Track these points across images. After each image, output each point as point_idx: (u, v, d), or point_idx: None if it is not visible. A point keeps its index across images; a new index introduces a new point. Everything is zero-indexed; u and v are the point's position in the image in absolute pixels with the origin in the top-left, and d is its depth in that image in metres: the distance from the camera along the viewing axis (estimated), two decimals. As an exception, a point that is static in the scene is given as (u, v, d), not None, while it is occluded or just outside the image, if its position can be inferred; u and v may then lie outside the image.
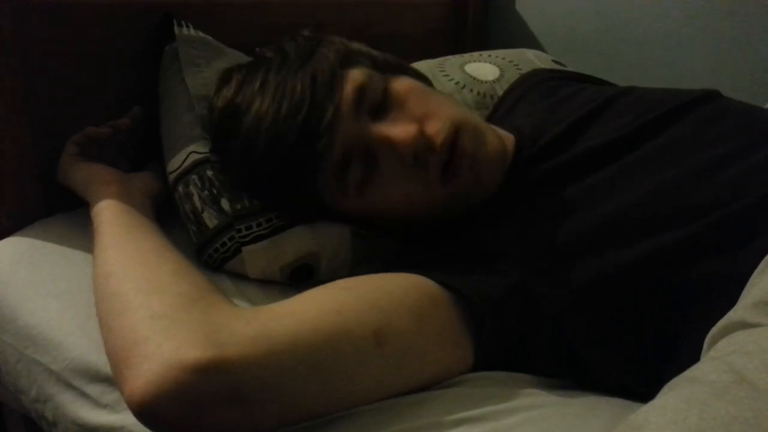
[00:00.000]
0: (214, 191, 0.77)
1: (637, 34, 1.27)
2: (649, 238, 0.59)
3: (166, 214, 0.79)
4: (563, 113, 0.76)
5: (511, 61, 1.09)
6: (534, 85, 0.93)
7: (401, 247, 0.77)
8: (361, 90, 0.68)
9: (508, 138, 0.75)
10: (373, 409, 0.53)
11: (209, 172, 0.78)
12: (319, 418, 0.52)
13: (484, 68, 1.07)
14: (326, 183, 0.69)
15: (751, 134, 0.65)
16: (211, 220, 0.77)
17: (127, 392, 0.48)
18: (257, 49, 0.80)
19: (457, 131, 0.67)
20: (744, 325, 0.41)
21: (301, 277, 0.78)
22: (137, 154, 0.89)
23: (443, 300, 0.58)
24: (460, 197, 0.69)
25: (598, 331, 0.59)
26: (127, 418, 0.59)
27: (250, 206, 0.75)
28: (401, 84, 0.71)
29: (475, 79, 1.04)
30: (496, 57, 1.11)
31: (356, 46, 0.76)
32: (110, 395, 0.63)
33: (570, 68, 1.12)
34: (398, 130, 0.66)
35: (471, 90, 1.02)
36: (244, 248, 0.75)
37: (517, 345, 0.60)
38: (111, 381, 0.62)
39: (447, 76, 1.04)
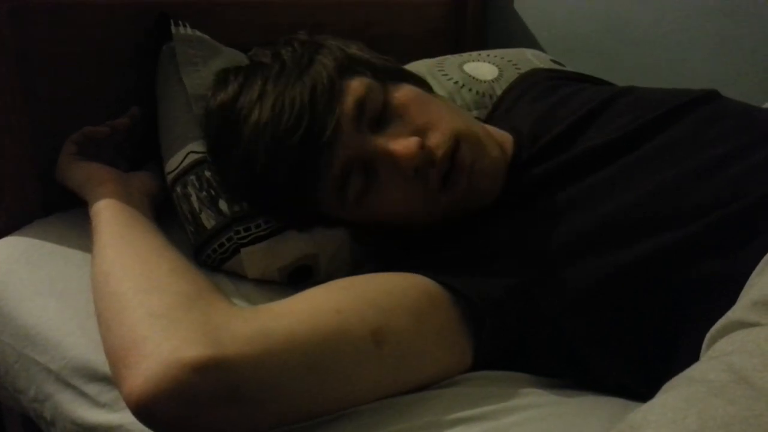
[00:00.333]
0: (212, 192, 0.77)
1: (637, 34, 1.27)
2: (649, 238, 0.59)
3: (164, 214, 0.79)
4: (563, 113, 0.76)
5: (510, 61, 1.09)
6: (533, 85, 0.93)
7: (400, 251, 0.77)
8: (362, 102, 0.67)
9: (507, 138, 0.75)
10: (372, 408, 0.53)
11: (207, 173, 0.77)
12: (318, 418, 0.52)
13: (483, 68, 1.06)
14: (326, 194, 0.69)
15: (751, 134, 0.65)
16: (209, 221, 0.77)
17: (125, 391, 0.48)
18: (252, 51, 0.80)
19: (457, 142, 0.66)
20: (743, 325, 0.41)
21: (300, 277, 0.78)
22: (135, 154, 0.89)
23: (442, 300, 0.58)
24: (459, 204, 0.68)
25: (598, 331, 0.59)
26: (126, 417, 0.59)
27: (248, 208, 0.75)
28: (401, 93, 0.70)
29: (474, 78, 1.04)
30: (495, 56, 1.11)
31: (355, 51, 0.74)
32: (108, 394, 0.63)
33: (569, 68, 1.12)
34: (400, 145, 0.65)
35: (470, 89, 1.02)
36: (242, 249, 0.75)
37: (516, 345, 0.60)
38: (109, 380, 0.62)
39: (446, 75, 1.04)
